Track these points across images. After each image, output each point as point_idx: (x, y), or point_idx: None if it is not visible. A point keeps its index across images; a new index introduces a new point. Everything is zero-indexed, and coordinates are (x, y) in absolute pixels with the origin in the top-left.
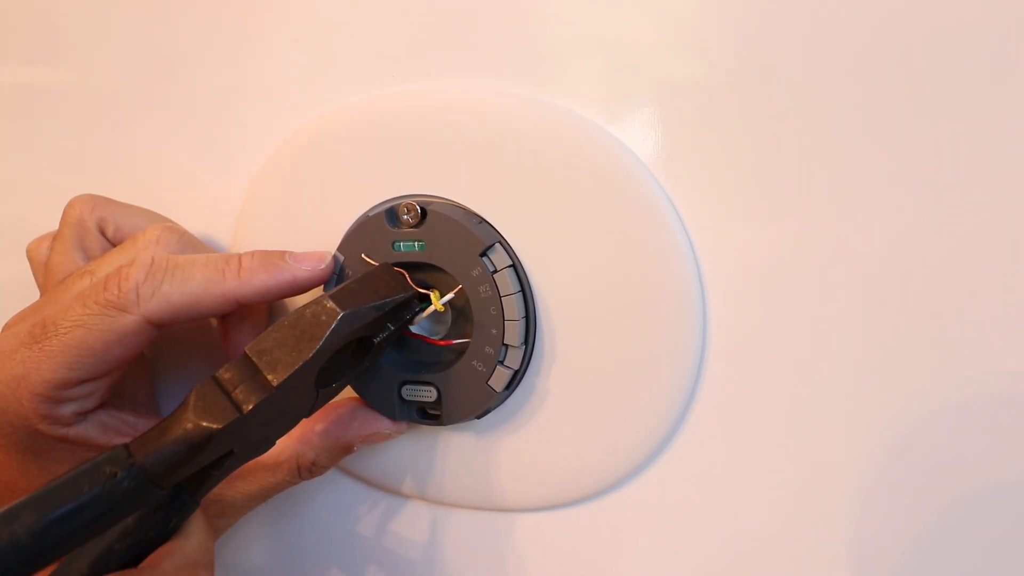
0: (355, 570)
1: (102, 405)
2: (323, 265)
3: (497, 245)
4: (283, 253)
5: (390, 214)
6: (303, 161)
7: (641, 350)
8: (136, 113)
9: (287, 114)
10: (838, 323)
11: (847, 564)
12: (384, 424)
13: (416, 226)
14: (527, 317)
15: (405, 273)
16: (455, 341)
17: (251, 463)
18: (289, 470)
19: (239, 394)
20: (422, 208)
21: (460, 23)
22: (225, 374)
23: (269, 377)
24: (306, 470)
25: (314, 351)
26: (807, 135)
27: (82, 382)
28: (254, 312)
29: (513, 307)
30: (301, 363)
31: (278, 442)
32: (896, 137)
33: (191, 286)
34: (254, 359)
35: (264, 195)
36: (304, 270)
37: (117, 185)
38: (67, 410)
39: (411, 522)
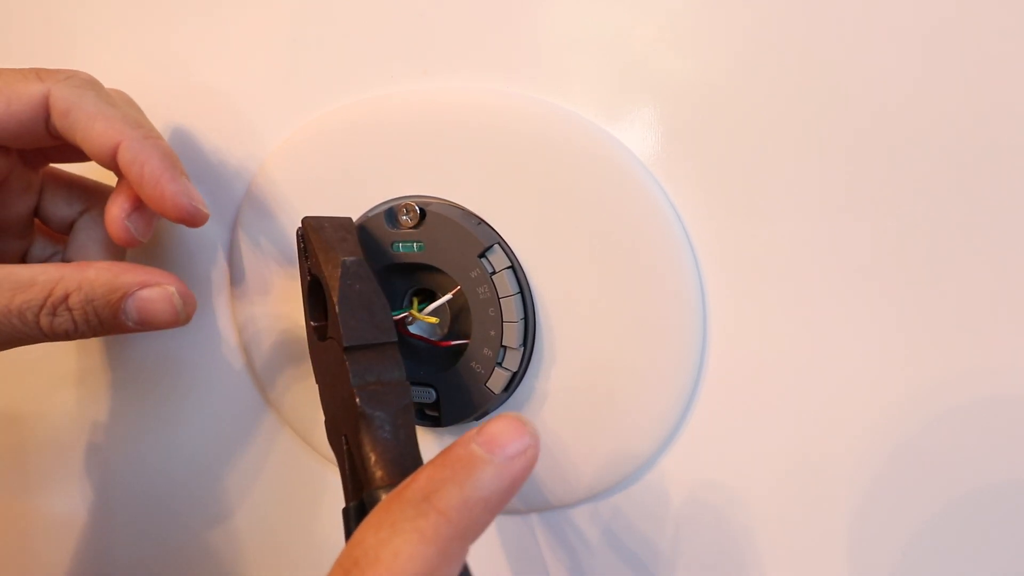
0: None
1: None
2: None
3: (496, 246)
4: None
5: (389, 215)
6: (302, 162)
7: (641, 351)
8: None
9: (286, 115)
10: (838, 320)
11: (849, 563)
12: (169, 280)
13: (415, 227)
14: (526, 319)
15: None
16: (454, 342)
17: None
18: (34, 297)
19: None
20: (421, 209)
21: (459, 23)
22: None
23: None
24: (49, 309)
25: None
26: (806, 133)
27: None
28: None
29: (512, 309)
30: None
31: (43, 266)
32: (895, 135)
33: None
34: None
35: (263, 196)
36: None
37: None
38: None
39: None
